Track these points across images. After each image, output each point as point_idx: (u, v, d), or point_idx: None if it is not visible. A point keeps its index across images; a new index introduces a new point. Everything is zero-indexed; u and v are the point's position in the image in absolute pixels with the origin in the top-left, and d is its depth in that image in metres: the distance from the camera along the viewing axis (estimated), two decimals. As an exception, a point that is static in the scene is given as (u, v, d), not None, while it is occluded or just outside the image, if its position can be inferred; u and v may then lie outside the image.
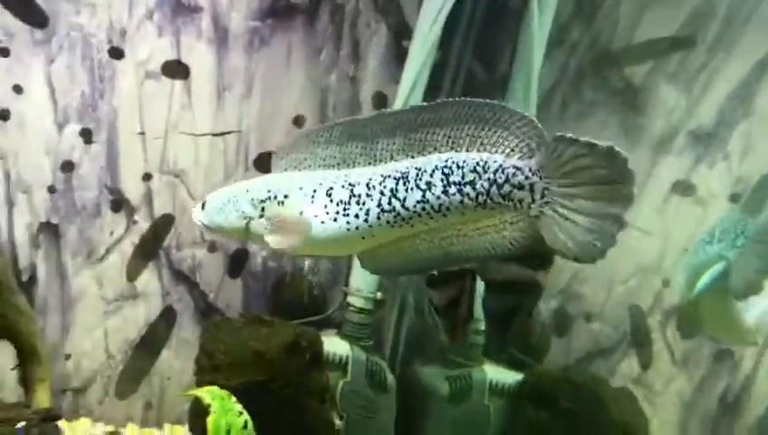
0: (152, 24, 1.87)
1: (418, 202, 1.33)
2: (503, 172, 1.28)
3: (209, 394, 1.28)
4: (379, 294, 1.87)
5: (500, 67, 2.04)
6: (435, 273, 1.64)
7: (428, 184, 1.33)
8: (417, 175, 1.34)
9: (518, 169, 1.26)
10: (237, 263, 2.01)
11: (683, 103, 2.11)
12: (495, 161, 1.28)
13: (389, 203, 1.35)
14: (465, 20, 1.96)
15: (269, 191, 1.44)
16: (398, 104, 1.84)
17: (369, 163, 1.41)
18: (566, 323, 2.15)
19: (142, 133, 1.92)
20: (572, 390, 1.79)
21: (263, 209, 1.42)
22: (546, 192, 1.22)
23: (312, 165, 1.46)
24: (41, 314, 1.89)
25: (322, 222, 1.38)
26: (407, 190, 1.34)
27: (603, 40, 2.08)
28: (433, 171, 1.34)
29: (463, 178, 1.31)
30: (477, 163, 1.31)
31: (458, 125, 1.36)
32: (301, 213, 1.39)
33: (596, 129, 2.08)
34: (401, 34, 2.01)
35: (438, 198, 1.32)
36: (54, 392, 1.68)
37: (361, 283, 1.86)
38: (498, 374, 1.87)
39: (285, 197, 1.42)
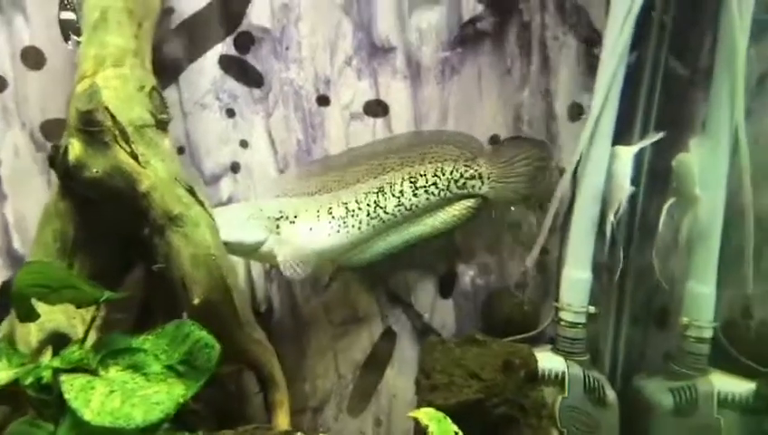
0: (352, 70, 2.02)
1: (395, 207, 1.82)
2: (457, 171, 1.83)
3: (426, 416, 1.36)
4: (591, 308, 1.84)
5: (701, 60, 1.93)
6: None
7: (401, 192, 1.82)
8: (390, 187, 1.82)
9: (468, 166, 1.84)
10: (447, 283, 2.09)
11: None
12: (449, 165, 1.84)
13: (375, 211, 1.81)
14: (658, 14, 1.89)
15: (281, 212, 1.76)
16: (594, 112, 1.80)
17: (342, 187, 1.84)
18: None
19: (351, 171, 2.07)
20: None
21: (277, 226, 1.73)
22: (490, 175, 1.84)
23: (297, 193, 1.85)
24: (280, 340, 2.09)
25: (329, 235, 1.77)
26: (385, 200, 1.81)
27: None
28: (401, 182, 1.83)
29: (426, 182, 1.83)
30: (436, 169, 1.84)
31: (409, 148, 1.87)
32: (310, 229, 1.76)
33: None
34: (591, 42, 1.98)
35: (410, 200, 1.82)
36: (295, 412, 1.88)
37: (572, 297, 1.84)
38: (727, 385, 1.74)
39: (295, 217, 1.76)
